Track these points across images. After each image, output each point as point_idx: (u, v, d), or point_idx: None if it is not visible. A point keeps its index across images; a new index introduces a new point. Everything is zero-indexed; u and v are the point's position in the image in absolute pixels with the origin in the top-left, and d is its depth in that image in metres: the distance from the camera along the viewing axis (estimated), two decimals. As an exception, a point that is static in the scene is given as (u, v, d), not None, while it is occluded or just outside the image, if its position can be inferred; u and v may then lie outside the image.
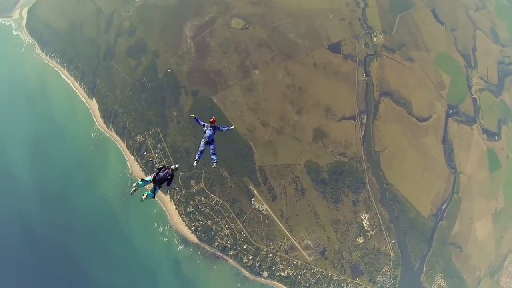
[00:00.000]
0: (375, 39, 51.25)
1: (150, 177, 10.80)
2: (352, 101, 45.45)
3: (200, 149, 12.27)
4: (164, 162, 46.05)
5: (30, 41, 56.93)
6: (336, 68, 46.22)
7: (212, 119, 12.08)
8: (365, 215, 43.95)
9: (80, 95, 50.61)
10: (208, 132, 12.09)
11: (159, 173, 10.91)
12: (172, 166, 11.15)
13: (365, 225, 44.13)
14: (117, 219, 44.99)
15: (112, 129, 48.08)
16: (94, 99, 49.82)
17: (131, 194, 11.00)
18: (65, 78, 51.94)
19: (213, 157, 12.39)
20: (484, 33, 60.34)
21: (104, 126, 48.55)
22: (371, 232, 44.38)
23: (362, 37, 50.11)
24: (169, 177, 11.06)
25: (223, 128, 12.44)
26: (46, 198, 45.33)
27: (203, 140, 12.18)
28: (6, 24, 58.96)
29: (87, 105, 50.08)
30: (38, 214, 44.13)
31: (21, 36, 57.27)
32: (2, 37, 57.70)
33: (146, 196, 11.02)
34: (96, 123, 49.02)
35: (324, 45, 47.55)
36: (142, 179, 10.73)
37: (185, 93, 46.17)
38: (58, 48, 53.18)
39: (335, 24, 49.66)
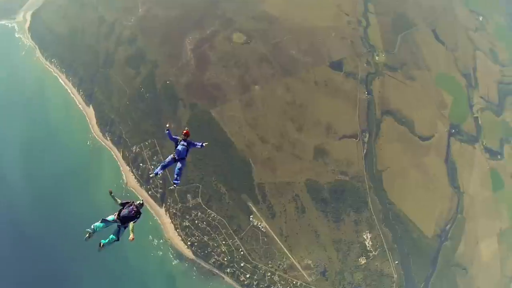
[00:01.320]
0: (376, 57, 51.68)
1: (112, 216, 9.42)
2: (354, 120, 45.22)
3: (164, 163, 10.65)
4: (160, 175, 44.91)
5: (31, 44, 57.70)
6: (337, 86, 46.26)
7: (185, 131, 10.75)
8: (368, 235, 42.77)
9: (77, 101, 51.12)
10: (180, 147, 10.65)
11: (123, 210, 9.46)
12: (137, 202, 9.60)
13: (367, 245, 42.86)
14: (109, 229, 43.97)
15: (108, 138, 48.19)
16: (91, 106, 50.22)
17: (85, 240, 9.00)
18: (63, 84, 52.65)
19: (176, 178, 10.60)
20: (484, 53, 61.20)
21: (100, 134, 48.73)
22: (373, 252, 43.05)
23: (364, 56, 50.61)
24: (135, 214, 9.51)
25: (197, 144, 11.07)
26: (38, 202, 44.91)
27: (171, 155, 10.69)
28: (10, 26, 59.94)
29: (84, 112, 50.40)
30: (29, 218, 43.64)
31: (23, 39, 58.12)
32: (4, 38, 58.36)
33: (107, 242, 9.28)
34: (92, 130, 49.22)
35: (326, 63, 47.76)
36: (102, 220, 9.20)
37: (183, 106, 46.57)
38: (58, 53, 54.47)
39: (337, 42, 50.24)
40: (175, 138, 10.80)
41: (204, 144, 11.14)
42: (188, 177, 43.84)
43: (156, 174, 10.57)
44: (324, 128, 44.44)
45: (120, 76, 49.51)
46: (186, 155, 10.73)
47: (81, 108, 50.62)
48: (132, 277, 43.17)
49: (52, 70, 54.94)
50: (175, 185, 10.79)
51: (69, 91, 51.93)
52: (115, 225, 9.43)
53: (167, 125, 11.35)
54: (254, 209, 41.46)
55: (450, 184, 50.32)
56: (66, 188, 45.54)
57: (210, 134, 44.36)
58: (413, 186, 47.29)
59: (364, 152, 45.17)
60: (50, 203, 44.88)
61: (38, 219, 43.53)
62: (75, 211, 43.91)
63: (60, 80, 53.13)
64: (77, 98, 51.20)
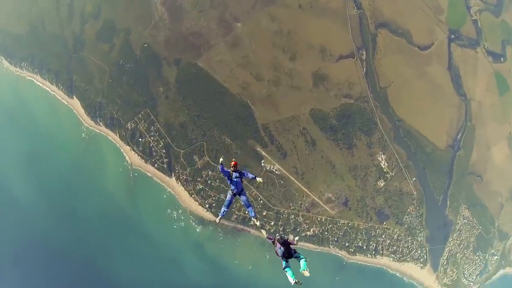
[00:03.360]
0: (361, -34, 46.25)
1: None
2: (347, 38, 42.07)
3: (227, 203, 10.67)
4: (161, 144, 42.25)
5: (-5, 57, 51.60)
6: (323, 5, 42.42)
7: (233, 162, 10.56)
8: (382, 156, 41.70)
9: (59, 98, 47.91)
10: (235, 182, 10.41)
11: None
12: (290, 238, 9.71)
13: (383, 166, 41.92)
14: (128, 215, 44.10)
15: (101, 123, 45.66)
16: (74, 97, 47.03)
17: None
18: (40, 84, 49.00)
19: (251, 210, 10.81)
20: None
21: (92, 122, 46.10)
22: (390, 173, 42.32)
23: (347, -33, 45.08)
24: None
25: (249, 175, 10.79)
26: (53, 213, 44.68)
27: (230, 192, 10.52)
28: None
29: (70, 106, 47.44)
30: (50, 232, 43.83)
31: (-15, 55, 51.90)
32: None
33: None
34: (83, 121, 46.52)
35: (306, -17, 42.72)
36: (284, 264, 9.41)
37: (167, 64, 43.31)
38: (25, 55, 49.79)
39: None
40: (227, 171, 10.53)
41: (257, 178, 10.91)
42: (190, 138, 41.42)
43: (223, 215, 10.86)
44: (318, 52, 41.43)
45: (95, 55, 45.66)
46: (242, 187, 10.72)
47: (66, 103, 47.39)
48: (161, 254, 43.33)
49: (25, 75, 49.51)
50: (255, 218, 11.05)
51: (48, 89, 48.10)
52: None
53: (221, 160, 10.66)
54: (263, 153, 39.81)
55: (456, 92, 49.09)
56: (76, 186, 44.76)
57: (201, 87, 41.46)
58: (419, 98, 45.92)
59: (364, 70, 42.77)
60: (65, 205, 44.27)
61: (58, 228, 43.37)
62: (91, 204, 43.73)
63: (36, 82, 48.80)
64: (59, 94, 47.64)
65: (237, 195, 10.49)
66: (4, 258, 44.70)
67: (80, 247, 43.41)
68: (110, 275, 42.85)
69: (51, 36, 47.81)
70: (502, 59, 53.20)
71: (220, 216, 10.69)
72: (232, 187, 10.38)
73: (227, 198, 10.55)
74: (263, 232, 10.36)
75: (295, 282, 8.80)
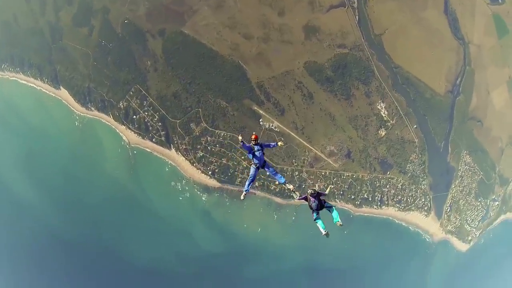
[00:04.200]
0: None
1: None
2: None
3: (251, 178, 10.54)
4: (156, 117, 41.32)
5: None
6: (308, -46, 39.28)
7: (253, 136, 10.37)
8: (381, 104, 41.05)
9: (46, 91, 47.05)
10: (257, 154, 10.23)
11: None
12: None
13: (383, 115, 41.31)
14: (134, 194, 44.48)
15: (92, 108, 45.07)
16: (61, 87, 46.16)
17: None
18: (25, 82, 47.85)
19: (280, 177, 10.55)
20: None
21: (83, 109, 45.44)
22: (391, 121, 41.81)
23: None
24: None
25: (270, 144, 10.79)
26: (61, 207, 45.25)
27: (253, 166, 10.37)
28: None
29: (58, 97, 46.69)
30: (61, 225, 44.48)
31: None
32: None
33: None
34: (74, 110, 45.86)
35: None
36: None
37: (152, 37, 42.21)
38: (3, 56, 48.42)
39: None
40: (249, 146, 10.27)
41: (278, 143, 10.95)
42: (184, 107, 40.60)
43: (247, 190, 10.69)
44: (307, 4, 40.05)
45: (75, 41, 44.30)
46: (264, 159, 10.55)
47: (54, 95, 46.59)
48: (171, 228, 43.86)
49: (7, 76, 48.26)
50: (286, 183, 10.64)
51: (34, 85, 47.16)
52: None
53: (240, 139, 10.25)
54: (261, 111, 39.28)
55: (454, 36, 47.60)
56: (78, 176, 44.93)
57: (189, 54, 40.44)
58: (416, 44, 44.49)
59: (357, 18, 41.23)
60: (71, 196, 44.67)
61: (68, 220, 44.03)
62: (96, 190, 44.04)
63: (20, 81, 47.69)
64: (45, 88, 46.70)
65: (260, 168, 10.31)
66: (21, 258, 46.07)
67: (93, 234, 44.30)
68: (126, 257, 43.87)
69: (27, 30, 46.36)
70: (500, 0, 50.46)
71: (244, 192, 10.55)
72: (256, 160, 10.21)
73: (251, 172, 10.42)
74: (295, 195, 10.05)
75: (325, 233, 9.19)
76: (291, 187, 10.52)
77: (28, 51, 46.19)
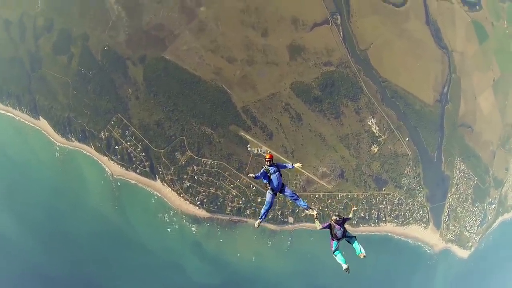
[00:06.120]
0: None
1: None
2: (319, 4, 39.79)
3: (267, 206, 9.00)
4: (139, 147, 38.65)
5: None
6: (288, -27, 38.11)
7: (268, 155, 9.03)
8: (372, 120, 39.84)
9: (26, 121, 44.70)
10: (275, 177, 8.75)
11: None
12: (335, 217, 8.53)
13: (375, 131, 40.06)
14: (119, 227, 42.07)
15: (73, 139, 42.74)
16: (41, 117, 43.87)
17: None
18: (3, 112, 45.38)
19: (302, 203, 9.20)
20: None
21: (63, 140, 43.15)
22: (383, 136, 40.57)
23: None
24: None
25: (287, 165, 9.46)
26: (44, 241, 42.42)
27: (269, 192, 8.90)
28: None
29: (38, 127, 44.37)
30: (44, 261, 41.78)
31: None
32: None
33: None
34: (54, 141, 43.53)
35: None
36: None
37: (133, 64, 40.80)
38: None
39: None
40: (263, 172, 8.80)
41: (295, 165, 9.46)
42: (168, 135, 38.17)
43: (263, 218, 9.14)
44: (290, 23, 38.95)
45: (54, 69, 42.36)
46: (282, 181, 9.08)
47: (32, 125, 44.23)
48: (161, 261, 41.34)
49: None
50: (309, 208, 9.23)
51: (13, 115, 44.75)
52: None
53: (252, 175, 8.86)
54: (248, 136, 37.42)
55: (438, 46, 47.86)
56: (61, 210, 42.19)
57: (171, 80, 38.66)
58: (401, 56, 44.18)
59: (341, 35, 40.48)
60: (54, 231, 41.82)
61: (53, 256, 41.23)
62: (80, 224, 41.36)
63: None
64: (24, 118, 44.40)
65: (278, 193, 8.88)
66: None
67: (79, 269, 41.61)
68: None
69: (6, 60, 44.45)
70: (477, 7, 51.15)
71: (259, 220, 9.03)
72: (273, 184, 8.69)
73: (267, 199, 8.92)
74: (317, 223, 8.50)
75: (346, 267, 8.11)
76: (314, 213, 8.88)
77: (7, 81, 44.18)
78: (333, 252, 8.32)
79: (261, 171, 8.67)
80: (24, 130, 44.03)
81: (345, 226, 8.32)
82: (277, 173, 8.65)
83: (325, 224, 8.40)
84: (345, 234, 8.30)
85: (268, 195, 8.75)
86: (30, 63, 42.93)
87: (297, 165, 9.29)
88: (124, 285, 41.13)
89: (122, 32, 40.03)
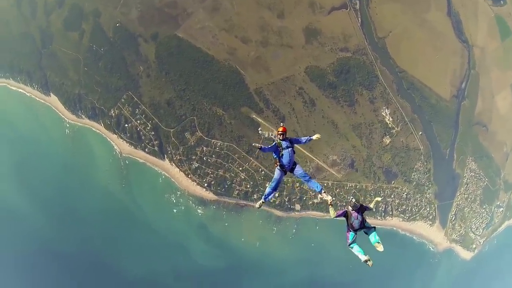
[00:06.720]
0: None
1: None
2: None
3: (274, 184, 7.91)
4: (149, 126, 38.17)
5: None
6: (308, -47, 36.74)
7: (281, 128, 7.90)
8: (386, 111, 38.68)
9: (37, 98, 44.52)
10: (286, 153, 7.68)
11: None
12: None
13: (388, 122, 38.92)
14: (127, 206, 41.94)
15: (83, 116, 42.46)
16: (51, 94, 43.65)
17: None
18: (15, 88, 45.30)
19: (316, 184, 7.98)
20: None
21: (73, 116, 42.93)
22: (396, 128, 39.45)
23: None
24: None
25: (302, 140, 8.36)
26: (53, 218, 42.61)
27: (277, 169, 7.81)
28: None
29: (48, 104, 44.14)
30: (54, 236, 41.94)
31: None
32: None
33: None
34: (64, 117, 43.32)
35: None
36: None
37: (144, 41, 39.94)
38: None
39: None
40: (273, 146, 7.68)
41: (312, 137, 8.30)
42: (178, 115, 37.73)
43: (266, 199, 7.95)
44: (307, 6, 37.98)
45: (66, 45, 41.83)
46: (294, 159, 7.91)
47: (43, 102, 44.16)
48: (165, 242, 41.37)
49: None
50: (321, 191, 7.94)
51: (24, 91, 44.67)
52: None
53: (257, 145, 7.71)
54: (260, 119, 36.74)
55: (458, 39, 46.07)
56: (70, 186, 42.45)
57: (184, 58, 38.24)
58: (420, 46, 42.77)
59: (360, 21, 39.12)
60: (63, 207, 42.01)
61: (62, 232, 41.29)
62: (88, 201, 41.49)
63: (10, 87, 45.13)
64: (35, 94, 44.25)
65: (288, 171, 7.87)
66: (11, 270, 43.06)
67: (86, 246, 41.95)
68: (120, 270, 41.40)
69: (18, 35, 44.16)
70: (502, 2, 48.98)
71: (262, 201, 7.99)
72: (284, 161, 7.70)
73: (275, 177, 7.93)
74: (331, 210, 7.53)
75: (367, 259, 7.17)
76: (329, 198, 7.77)
77: (18, 57, 44.00)
78: (349, 245, 7.43)
79: (272, 144, 7.79)
80: (35, 106, 44.07)
81: (364, 216, 7.29)
82: (290, 148, 7.81)
83: (341, 212, 7.42)
84: (363, 225, 7.33)
85: (277, 171, 7.84)
86: (41, 39, 42.70)
87: (316, 136, 8.29)
88: (128, 262, 41.18)
89: (134, 9, 39.42)
